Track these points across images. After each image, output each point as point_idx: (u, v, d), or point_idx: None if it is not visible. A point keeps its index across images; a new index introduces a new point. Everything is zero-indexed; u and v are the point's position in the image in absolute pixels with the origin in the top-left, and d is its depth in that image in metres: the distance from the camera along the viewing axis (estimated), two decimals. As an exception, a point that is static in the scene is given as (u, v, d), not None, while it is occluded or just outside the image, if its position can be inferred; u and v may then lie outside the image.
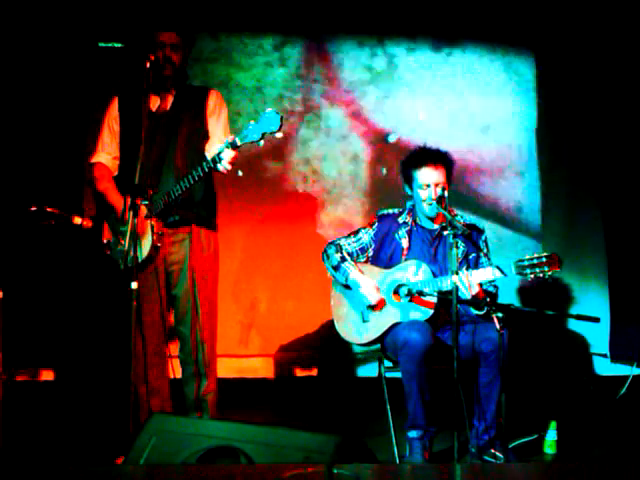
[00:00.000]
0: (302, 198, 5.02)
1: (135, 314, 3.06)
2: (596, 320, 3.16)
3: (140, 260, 3.27)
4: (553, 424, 3.59)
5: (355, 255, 3.60)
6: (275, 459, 2.23)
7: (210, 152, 3.28)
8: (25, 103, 4.63)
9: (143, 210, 3.27)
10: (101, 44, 4.60)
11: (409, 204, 3.62)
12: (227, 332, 4.55)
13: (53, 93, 4.65)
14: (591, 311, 4.65)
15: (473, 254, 3.53)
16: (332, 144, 5.05)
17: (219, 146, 3.20)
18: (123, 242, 3.33)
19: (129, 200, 3.15)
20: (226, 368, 4.47)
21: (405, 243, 3.55)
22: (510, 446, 3.41)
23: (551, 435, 3.59)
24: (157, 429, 2.40)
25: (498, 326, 3.10)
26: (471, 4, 4.92)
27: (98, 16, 4.66)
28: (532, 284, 4.65)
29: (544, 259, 3.20)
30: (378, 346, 3.56)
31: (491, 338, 3.24)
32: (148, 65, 3.28)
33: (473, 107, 5.07)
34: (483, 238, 3.58)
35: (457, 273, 3.10)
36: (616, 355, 4.87)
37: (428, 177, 3.45)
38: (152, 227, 3.30)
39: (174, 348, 3.54)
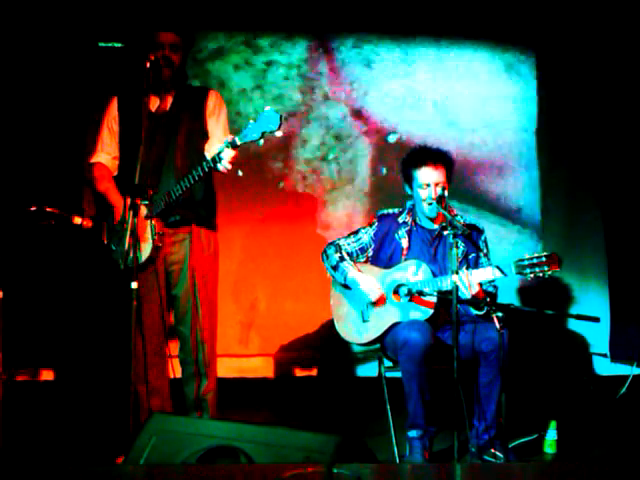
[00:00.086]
0: (302, 198, 5.02)
1: (135, 314, 3.06)
2: (596, 320, 3.16)
3: (141, 261, 3.27)
4: (553, 424, 3.59)
5: (355, 255, 3.60)
6: (275, 459, 2.23)
7: (210, 152, 3.28)
8: (25, 103, 4.62)
9: (143, 210, 3.27)
10: (101, 44, 4.60)
11: (409, 204, 3.62)
12: (227, 332, 4.55)
13: (53, 93, 4.65)
14: (591, 311, 4.65)
15: (473, 254, 3.53)
16: (332, 144, 5.04)
17: (219, 146, 3.20)
18: (123, 242, 3.33)
19: (129, 200, 3.15)
20: (226, 368, 4.47)
21: (405, 243, 3.55)
22: (510, 446, 3.41)
23: (551, 435, 3.59)
24: (157, 429, 2.40)
25: (498, 326, 3.10)
26: (472, 3, 4.92)
27: (98, 16, 4.66)
28: (532, 284, 4.66)
29: (544, 259, 3.20)
30: (378, 346, 3.56)
31: (491, 338, 3.24)
32: (148, 65, 3.28)
33: (473, 107, 5.07)
34: (483, 238, 3.58)
35: (457, 273, 3.10)
36: (616, 355, 4.87)
37: (428, 177, 3.45)
38: (153, 227, 3.30)
39: (174, 348, 3.54)
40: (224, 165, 3.19)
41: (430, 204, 3.45)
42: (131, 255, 3.11)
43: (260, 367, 4.93)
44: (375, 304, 3.46)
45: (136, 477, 2.29)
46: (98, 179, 3.53)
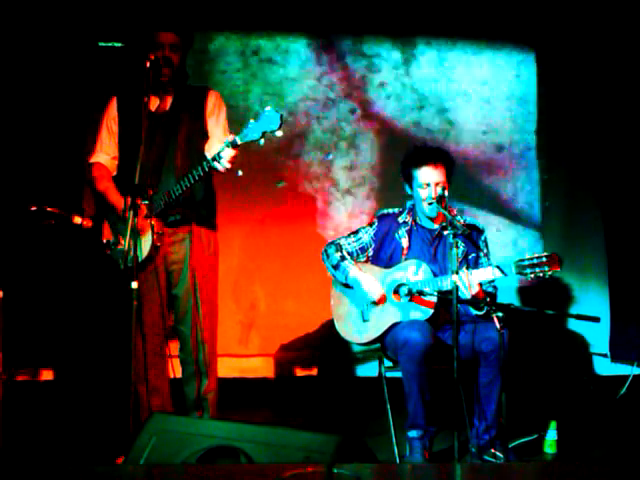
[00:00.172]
0: (302, 198, 5.01)
1: (135, 314, 3.06)
2: (596, 320, 3.16)
3: (140, 260, 3.28)
4: (553, 424, 3.60)
5: (355, 255, 3.60)
6: (275, 459, 2.23)
7: (210, 152, 3.28)
8: (25, 103, 4.62)
9: (143, 210, 3.27)
10: (101, 44, 4.60)
11: (409, 204, 3.62)
12: (227, 332, 4.54)
13: (53, 93, 4.65)
14: (591, 311, 4.65)
15: (473, 254, 3.53)
16: (332, 144, 5.04)
17: (219, 146, 3.21)
18: (123, 242, 3.33)
19: (129, 200, 3.15)
20: (226, 368, 4.47)
21: (405, 243, 3.55)
22: (510, 446, 3.41)
23: (551, 435, 3.59)
24: (157, 429, 2.40)
25: (498, 326, 3.10)
26: (472, 3, 4.92)
27: (98, 16, 4.65)
28: (532, 284, 4.66)
29: (544, 259, 3.20)
30: (378, 345, 3.56)
31: (491, 338, 3.24)
32: (148, 65, 3.28)
33: (473, 106, 5.07)
34: (483, 238, 3.58)
35: (457, 273, 3.10)
36: (616, 355, 4.87)
37: (428, 176, 3.45)
38: (152, 227, 3.30)
39: (174, 348, 3.54)
40: (223, 165, 3.19)
41: (430, 204, 3.45)
42: (131, 255, 3.11)
43: (260, 367, 4.93)
44: (376, 304, 3.46)
45: (136, 477, 2.29)
46: (97, 179, 3.53)
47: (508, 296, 4.70)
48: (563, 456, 3.54)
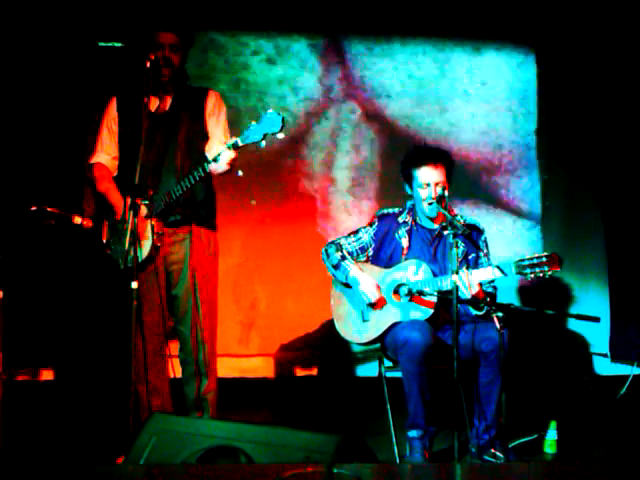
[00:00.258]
0: (302, 198, 5.02)
1: (135, 314, 3.06)
2: (596, 320, 3.16)
3: (140, 260, 3.28)
4: (553, 424, 3.60)
5: (355, 254, 3.61)
6: (275, 459, 2.23)
7: (210, 153, 3.28)
8: (25, 103, 4.62)
9: (143, 210, 3.27)
10: (101, 44, 4.60)
11: (409, 203, 3.62)
12: (227, 332, 4.55)
13: (53, 93, 4.65)
14: (591, 311, 4.65)
15: (473, 254, 3.53)
16: (332, 143, 5.04)
17: (220, 147, 3.21)
18: (123, 242, 3.33)
19: (129, 200, 3.15)
20: (226, 368, 4.47)
21: (405, 243, 3.55)
22: (510, 446, 3.41)
23: (551, 435, 3.59)
24: (157, 429, 2.40)
25: (498, 326, 3.10)
26: (473, 3, 4.92)
27: (98, 16, 4.65)
28: (532, 284, 4.65)
29: (544, 259, 3.20)
30: (378, 345, 3.56)
31: (491, 338, 3.24)
32: (148, 65, 3.28)
33: (473, 106, 5.08)
34: (483, 238, 3.58)
35: (457, 273, 3.10)
36: (616, 355, 4.87)
37: (428, 176, 3.45)
38: (152, 227, 3.30)
39: (174, 348, 3.54)
40: (222, 167, 3.20)
41: (430, 204, 3.45)
42: (131, 255, 3.11)
43: (260, 367, 4.93)
44: (374, 306, 3.46)
45: (136, 477, 2.29)
46: (98, 179, 3.54)
47: (508, 296, 4.70)
48: (563, 456, 3.54)
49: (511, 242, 5.02)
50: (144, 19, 3.99)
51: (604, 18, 4.85)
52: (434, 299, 3.37)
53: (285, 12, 4.91)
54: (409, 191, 3.56)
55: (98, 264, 3.61)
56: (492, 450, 3.33)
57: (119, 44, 4.49)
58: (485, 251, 3.56)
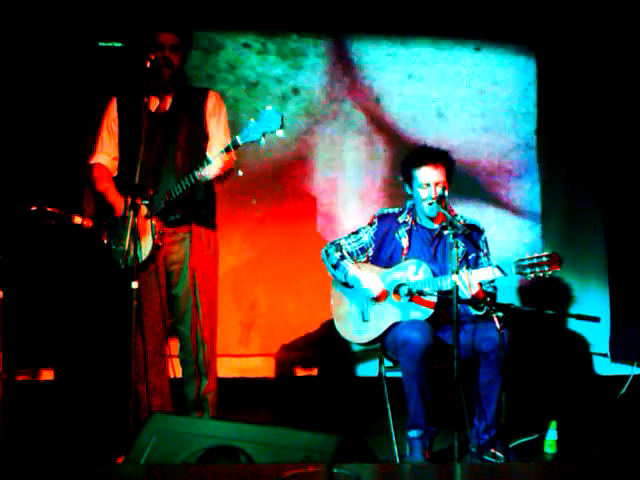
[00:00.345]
0: (302, 198, 5.01)
1: (135, 314, 3.06)
2: (596, 320, 3.16)
3: (141, 260, 3.28)
4: (553, 424, 3.60)
5: (355, 255, 3.61)
6: (275, 459, 2.23)
7: (211, 153, 3.28)
8: (25, 103, 4.62)
9: (143, 210, 3.27)
10: (101, 44, 4.60)
11: (409, 203, 3.62)
12: (227, 332, 4.55)
13: (53, 93, 4.65)
14: (591, 311, 4.65)
15: (473, 254, 3.54)
16: (332, 143, 5.04)
17: (220, 147, 3.21)
18: (123, 242, 3.33)
19: (129, 200, 3.15)
20: (226, 368, 4.47)
21: (405, 243, 3.55)
22: (510, 446, 3.41)
23: (551, 435, 3.59)
24: (157, 428, 2.40)
25: (498, 326, 3.10)
26: (473, 3, 4.92)
27: (98, 16, 4.65)
28: (532, 284, 4.65)
29: (544, 259, 3.20)
30: (378, 345, 3.56)
31: (491, 337, 3.24)
32: (148, 65, 3.28)
33: (473, 106, 5.07)
34: (483, 238, 3.58)
35: (457, 273, 3.10)
36: (616, 355, 4.87)
37: (428, 176, 3.45)
38: (153, 227, 3.30)
39: (174, 347, 3.54)
40: (213, 169, 3.20)
41: (430, 204, 3.45)
42: (131, 254, 3.11)
43: (260, 367, 4.93)
44: (377, 299, 3.46)
45: (136, 477, 2.29)
46: (98, 179, 3.54)
47: (508, 296, 4.70)
48: (563, 456, 3.54)
49: (511, 242, 5.02)
50: (144, 19, 3.99)
51: (604, 18, 4.85)
52: (434, 299, 3.37)
53: (286, 12, 4.91)
54: (409, 191, 3.57)
55: (98, 264, 3.61)
56: (492, 450, 3.33)
57: (119, 44, 4.49)
58: (485, 251, 3.56)
